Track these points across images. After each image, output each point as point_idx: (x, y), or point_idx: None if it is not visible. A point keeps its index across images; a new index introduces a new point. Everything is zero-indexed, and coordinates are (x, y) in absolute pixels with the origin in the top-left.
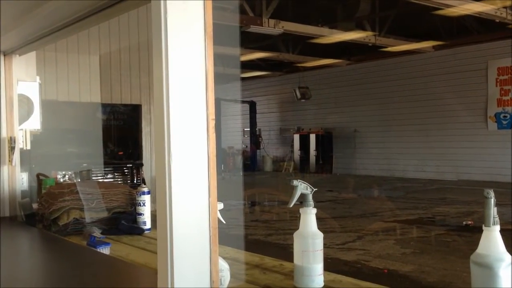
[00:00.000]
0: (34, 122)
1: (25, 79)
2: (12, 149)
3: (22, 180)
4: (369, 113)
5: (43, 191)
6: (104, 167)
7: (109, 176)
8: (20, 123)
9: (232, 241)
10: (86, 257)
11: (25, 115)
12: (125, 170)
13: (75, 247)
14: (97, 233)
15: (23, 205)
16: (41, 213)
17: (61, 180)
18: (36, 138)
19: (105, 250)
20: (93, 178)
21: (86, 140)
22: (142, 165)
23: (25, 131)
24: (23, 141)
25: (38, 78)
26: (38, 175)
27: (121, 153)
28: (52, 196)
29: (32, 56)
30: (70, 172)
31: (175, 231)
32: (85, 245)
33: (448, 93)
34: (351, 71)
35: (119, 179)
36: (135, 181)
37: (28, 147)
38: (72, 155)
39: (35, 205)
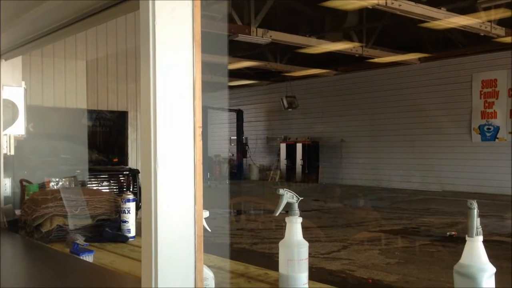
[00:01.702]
0: (19, 128)
1: (11, 84)
2: None
3: (5, 186)
4: (356, 123)
5: (27, 197)
6: (100, 174)
7: (105, 183)
8: (4, 128)
9: (218, 249)
10: (69, 265)
11: (10, 120)
12: (121, 178)
13: (58, 254)
14: (80, 240)
15: (5, 212)
16: (24, 219)
17: (55, 187)
18: (20, 143)
19: (89, 258)
20: (88, 185)
21: (72, 146)
22: (138, 172)
23: (9, 137)
24: (6, 147)
25: (23, 83)
26: (21, 181)
27: (115, 160)
28: (36, 202)
29: (18, 60)
30: (64, 179)
31: (160, 239)
32: (68, 252)
33: (433, 104)
34: (338, 81)
35: (114, 187)
36: (131, 189)
37: (12, 153)
38: (58, 162)
39: (18, 212)
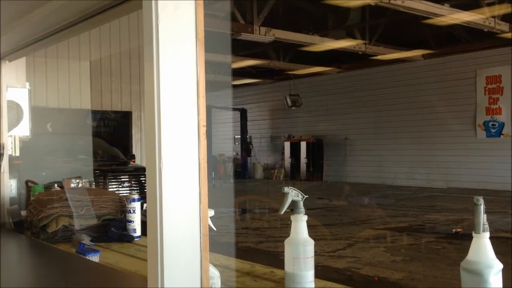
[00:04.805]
0: (24, 129)
1: (15, 85)
2: (0, 155)
3: (11, 187)
4: (360, 120)
5: (32, 198)
6: (120, 175)
7: (126, 184)
8: (9, 129)
9: (223, 248)
10: (75, 265)
11: (15, 122)
12: (142, 178)
13: (64, 254)
14: (86, 240)
15: (11, 212)
16: (29, 220)
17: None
18: (25, 144)
19: (95, 258)
20: (109, 188)
21: (78, 147)
22: None
23: (14, 138)
24: (12, 148)
25: (27, 84)
26: (27, 182)
27: (133, 160)
28: (41, 203)
29: (22, 62)
30: (85, 180)
31: (166, 238)
32: (74, 252)
33: (438, 101)
34: (342, 79)
35: (135, 188)
36: None
37: (17, 154)
38: (71, 162)
39: (23, 212)
